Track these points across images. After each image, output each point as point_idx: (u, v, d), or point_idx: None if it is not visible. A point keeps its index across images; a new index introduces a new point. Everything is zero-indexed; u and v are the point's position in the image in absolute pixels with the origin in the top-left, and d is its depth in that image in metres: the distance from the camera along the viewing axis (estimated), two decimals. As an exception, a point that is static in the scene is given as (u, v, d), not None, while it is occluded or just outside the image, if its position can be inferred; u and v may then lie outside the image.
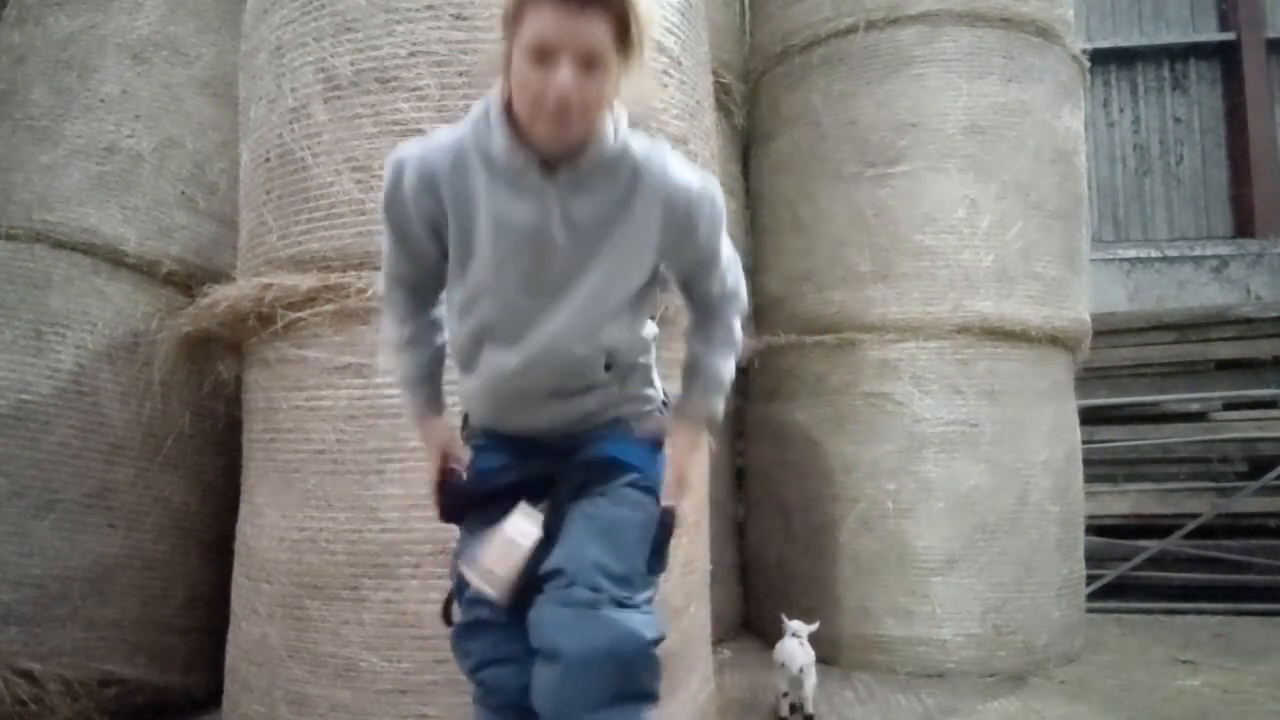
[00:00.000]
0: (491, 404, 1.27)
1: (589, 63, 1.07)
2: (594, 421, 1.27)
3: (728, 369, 1.35)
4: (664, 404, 1.36)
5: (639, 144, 1.16)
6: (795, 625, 2.52)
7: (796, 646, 2.46)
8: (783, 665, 2.45)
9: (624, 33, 1.07)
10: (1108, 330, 4.50)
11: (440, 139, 1.18)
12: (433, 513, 1.34)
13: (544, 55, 1.06)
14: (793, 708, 2.47)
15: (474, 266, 1.18)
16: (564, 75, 1.06)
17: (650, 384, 1.35)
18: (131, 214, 2.68)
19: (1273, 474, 4.14)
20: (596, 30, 1.06)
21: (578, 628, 1.10)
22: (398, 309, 1.31)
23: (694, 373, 1.35)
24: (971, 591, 2.94)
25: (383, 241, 1.27)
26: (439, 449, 1.34)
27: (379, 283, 1.35)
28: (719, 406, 1.35)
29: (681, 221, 1.20)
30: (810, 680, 2.43)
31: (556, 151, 1.12)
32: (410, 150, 1.19)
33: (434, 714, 1.76)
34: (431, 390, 1.36)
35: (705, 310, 1.34)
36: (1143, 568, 4.10)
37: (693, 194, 1.19)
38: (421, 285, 1.29)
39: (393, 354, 1.36)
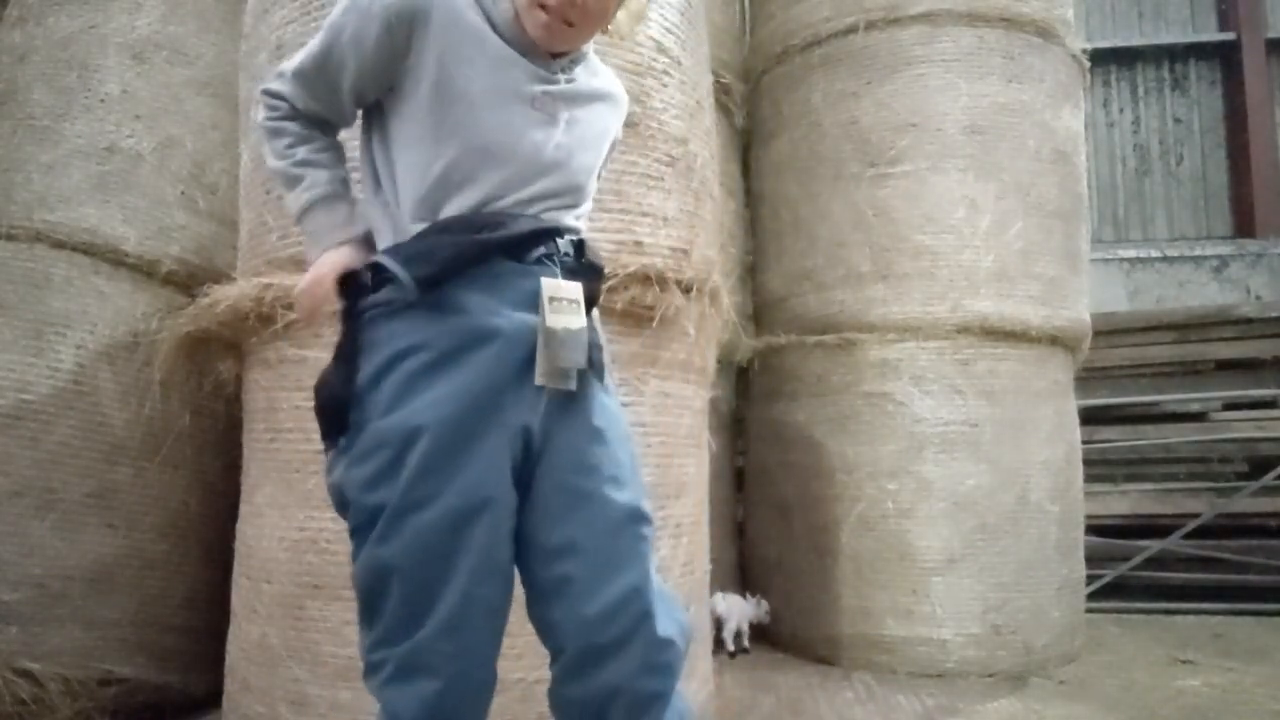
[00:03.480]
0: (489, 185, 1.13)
1: None
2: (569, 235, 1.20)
3: None
4: None
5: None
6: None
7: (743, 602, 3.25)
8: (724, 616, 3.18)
9: None
10: (1108, 330, 4.50)
11: None
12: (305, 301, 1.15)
13: None
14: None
15: (468, 104, 1.13)
16: None
17: None
18: (131, 214, 2.68)
19: (1272, 474, 4.14)
20: None
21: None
22: (297, 133, 1.21)
23: None
24: (971, 591, 2.94)
25: (304, 64, 1.18)
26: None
27: (269, 101, 1.21)
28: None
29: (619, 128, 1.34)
30: (746, 625, 3.25)
31: (543, 48, 1.18)
32: None
33: (434, 714, 1.76)
34: (352, 208, 1.22)
35: None
36: (1142, 568, 4.10)
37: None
38: (330, 123, 1.24)
39: (294, 172, 1.21)
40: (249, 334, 2.07)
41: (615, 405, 1.24)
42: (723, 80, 3.45)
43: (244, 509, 2.11)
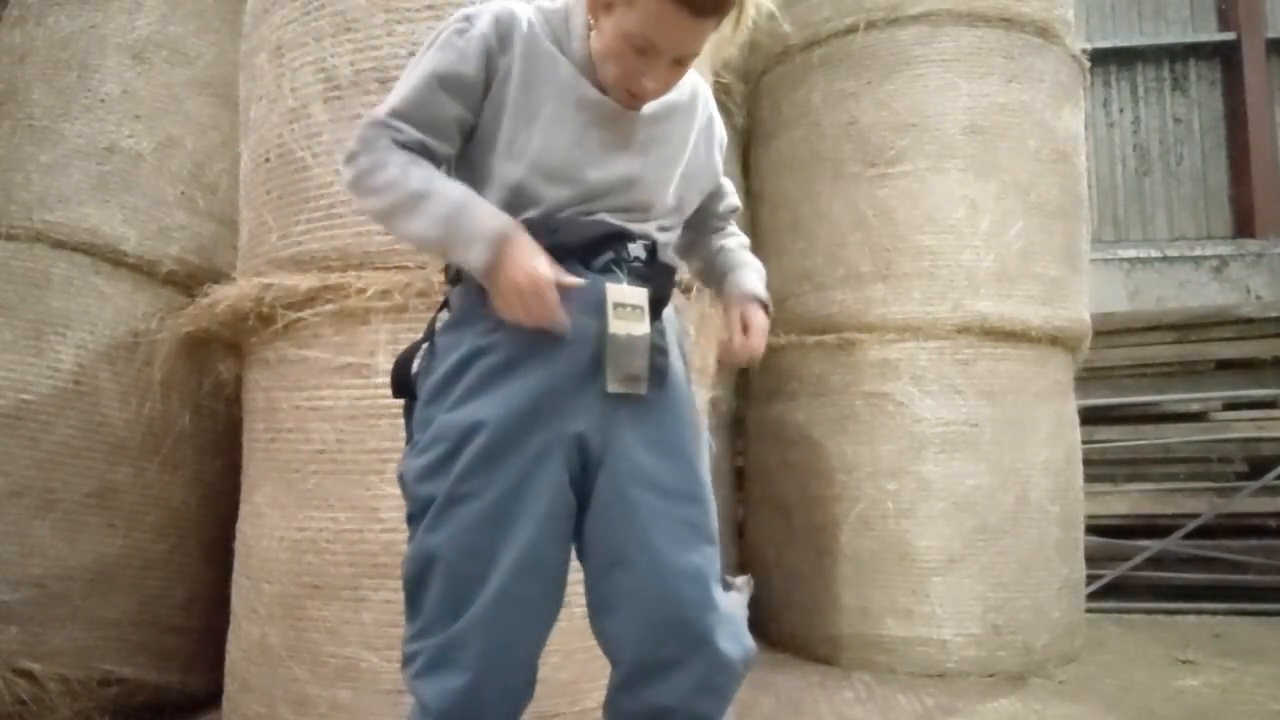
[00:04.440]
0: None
1: (683, 60, 1.13)
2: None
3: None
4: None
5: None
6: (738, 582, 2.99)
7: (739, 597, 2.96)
8: None
9: (724, 21, 1.12)
10: (1108, 330, 4.49)
11: (504, 3, 1.17)
12: (549, 319, 1.07)
13: (645, 49, 1.09)
14: None
15: (539, 124, 1.14)
16: (656, 77, 1.12)
17: None
18: (131, 214, 2.67)
19: (1273, 474, 4.13)
20: (703, 35, 1.10)
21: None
22: (405, 159, 1.13)
23: (737, 259, 1.41)
24: (971, 591, 2.94)
25: (400, 106, 1.13)
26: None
27: (367, 135, 1.14)
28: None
29: (711, 137, 1.34)
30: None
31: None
32: (483, 7, 1.16)
33: (434, 714, 1.76)
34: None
35: (715, 223, 1.46)
36: (1143, 568, 4.10)
37: (719, 118, 1.37)
38: (435, 154, 1.17)
39: (418, 188, 1.10)
40: (249, 334, 2.08)
41: (687, 414, 1.22)
42: (723, 80, 3.45)
43: (244, 509, 2.11)
